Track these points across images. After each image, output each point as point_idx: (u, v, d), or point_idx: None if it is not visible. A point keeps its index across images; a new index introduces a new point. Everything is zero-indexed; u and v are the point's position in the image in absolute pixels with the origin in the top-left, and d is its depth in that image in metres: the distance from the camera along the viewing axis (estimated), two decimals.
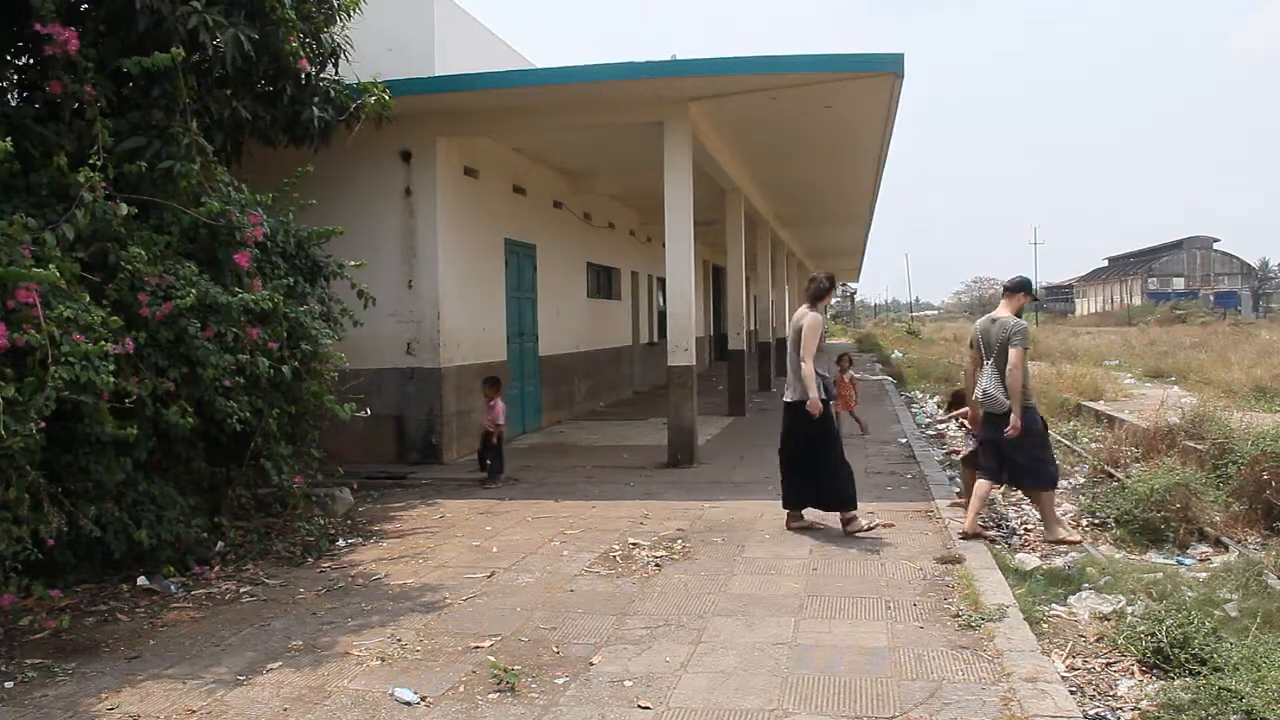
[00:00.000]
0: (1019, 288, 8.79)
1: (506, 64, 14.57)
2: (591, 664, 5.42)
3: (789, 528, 8.82)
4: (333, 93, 10.18)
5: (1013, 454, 8.50)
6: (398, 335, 12.56)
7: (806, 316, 8.55)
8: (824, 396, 8.49)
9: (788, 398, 8.77)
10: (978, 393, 8.74)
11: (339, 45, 10.32)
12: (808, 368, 8.36)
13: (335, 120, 10.16)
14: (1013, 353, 8.27)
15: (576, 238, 18.80)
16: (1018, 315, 8.67)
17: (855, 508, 8.67)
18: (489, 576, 7.27)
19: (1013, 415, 8.28)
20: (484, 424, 11.46)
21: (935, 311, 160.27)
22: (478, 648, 5.70)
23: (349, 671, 5.35)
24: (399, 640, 5.84)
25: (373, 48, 11.25)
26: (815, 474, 8.68)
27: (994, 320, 8.63)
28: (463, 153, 13.34)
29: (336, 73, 10.40)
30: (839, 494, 8.62)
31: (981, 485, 8.69)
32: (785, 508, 8.95)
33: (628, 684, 5.11)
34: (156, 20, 7.80)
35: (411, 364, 12.59)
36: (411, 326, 12.58)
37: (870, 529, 8.58)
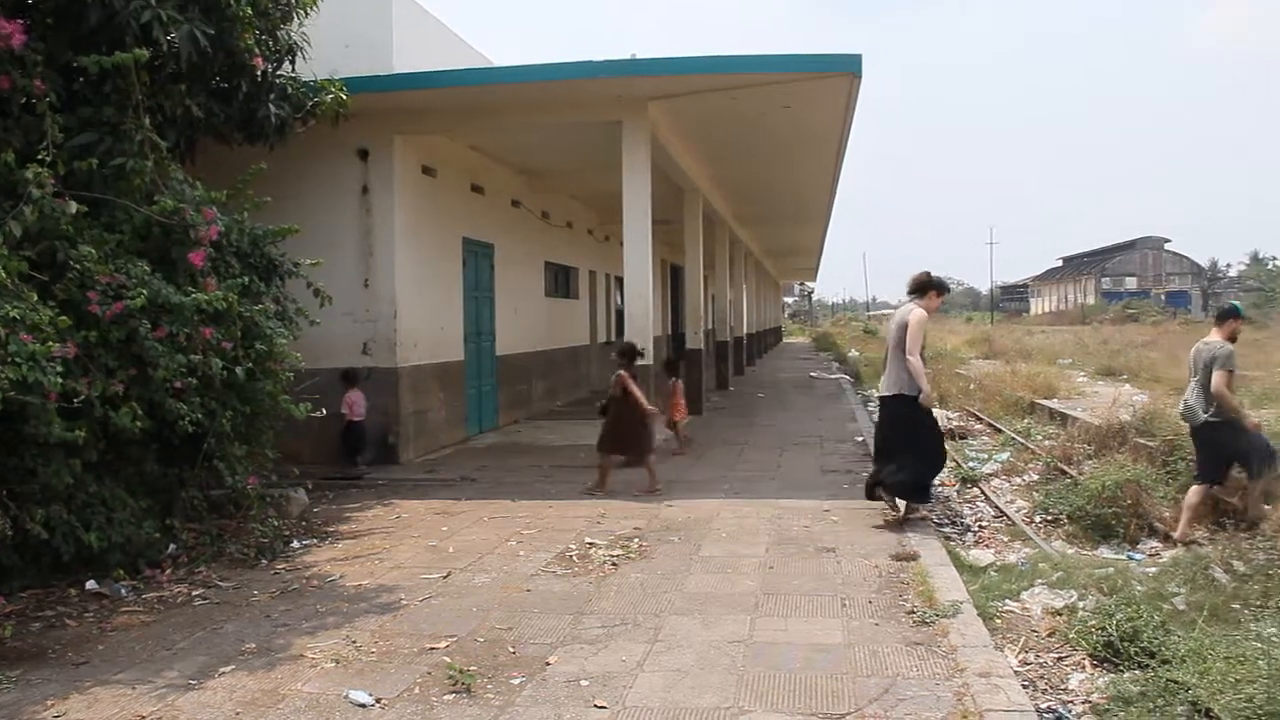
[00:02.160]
0: (1225, 315, 9.22)
1: (465, 62, 14.51)
2: (548, 664, 5.42)
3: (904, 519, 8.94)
4: (289, 90, 10.10)
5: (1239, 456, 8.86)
6: (354, 335, 12.47)
7: (914, 312, 8.70)
8: (913, 393, 8.64)
9: (884, 391, 8.97)
10: (1181, 405, 9.25)
11: (296, 42, 10.22)
12: (915, 361, 8.53)
13: (292, 118, 10.08)
14: (1216, 375, 8.68)
15: (534, 237, 18.76)
16: (1231, 340, 9.00)
17: (924, 501, 8.96)
18: (445, 577, 7.24)
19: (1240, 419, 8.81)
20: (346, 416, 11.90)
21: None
22: (434, 649, 5.68)
23: (303, 674, 5.31)
24: (354, 642, 5.81)
25: (330, 45, 11.16)
26: (893, 459, 8.83)
27: (1206, 343, 9.04)
28: (421, 151, 13.27)
29: (293, 70, 10.31)
30: (908, 483, 8.79)
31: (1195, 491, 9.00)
32: (867, 497, 9.23)
33: (584, 683, 5.11)
34: (108, 14, 7.70)
35: (368, 363, 12.50)
36: (368, 326, 12.49)
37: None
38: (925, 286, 8.92)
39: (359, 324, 12.46)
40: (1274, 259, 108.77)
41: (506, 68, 12.75)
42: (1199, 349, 9.06)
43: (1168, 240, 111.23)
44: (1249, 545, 7.70)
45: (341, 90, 10.41)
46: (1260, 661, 5.08)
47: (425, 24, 13.89)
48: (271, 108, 9.78)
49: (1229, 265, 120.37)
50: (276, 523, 8.58)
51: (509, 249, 16.99)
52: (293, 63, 10.27)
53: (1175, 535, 8.85)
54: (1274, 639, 5.64)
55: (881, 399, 9.11)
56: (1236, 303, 9.63)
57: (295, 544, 8.36)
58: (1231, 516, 8.90)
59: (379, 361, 12.48)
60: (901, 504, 9.00)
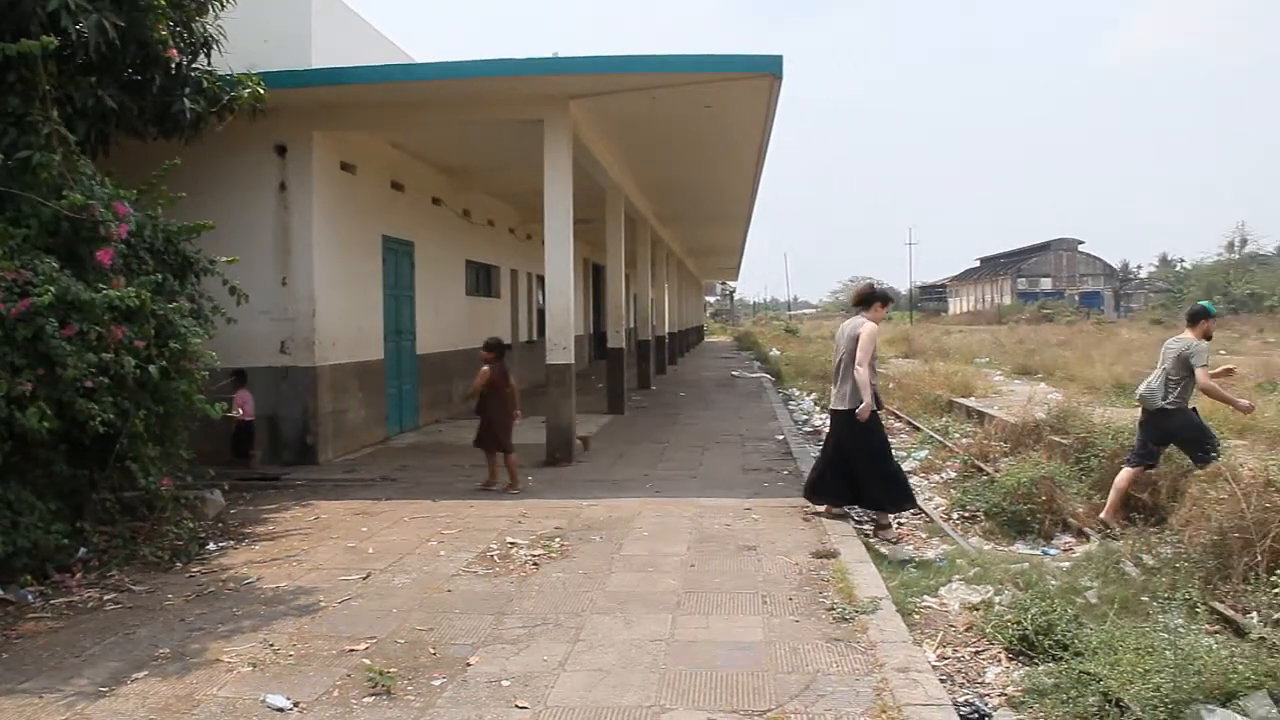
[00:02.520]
0: (1196, 316, 9.50)
1: (386, 58, 14.35)
2: (469, 665, 5.40)
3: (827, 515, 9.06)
4: (205, 84, 9.92)
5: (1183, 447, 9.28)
6: (272, 333, 12.28)
7: (865, 325, 8.73)
8: (874, 406, 8.72)
9: (834, 405, 8.98)
10: (1142, 387, 9.53)
11: (212, 35, 10.05)
12: (863, 372, 8.57)
13: (207, 112, 9.91)
14: (1199, 372, 8.98)
15: (455, 235, 18.63)
16: (1205, 338, 9.33)
17: (910, 506, 9.07)
18: (365, 578, 7.17)
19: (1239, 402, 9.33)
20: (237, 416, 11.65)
21: (813, 310, 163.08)
22: (353, 651, 5.62)
23: (219, 679, 5.22)
24: (272, 645, 5.72)
25: (248, 39, 10.97)
26: (855, 476, 8.88)
27: (1179, 340, 9.37)
28: (340, 147, 13.11)
29: (209, 63, 10.13)
30: (882, 497, 8.91)
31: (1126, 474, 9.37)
32: (807, 498, 9.33)
33: (505, 684, 5.10)
34: (11, 1, 7.49)
35: (286, 362, 12.33)
36: (286, 324, 12.31)
37: (896, 541, 8.97)
38: (870, 298, 9.01)
39: (277, 322, 12.28)
40: (1182, 261, 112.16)
41: (427, 64, 12.63)
42: (1170, 345, 9.44)
43: (1081, 242, 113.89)
44: (1158, 539, 7.92)
45: (259, 85, 10.26)
46: (1167, 652, 5.24)
47: (345, 19, 13.73)
48: (186, 102, 9.60)
49: (1140, 267, 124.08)
50: (192, 525, 8.41)
51: (430, 247, 16.86)
52: (208, 56, 10.10)
53: (1103, 515, 9.16)
54: (1181, 630, 5.82)
55: (833, 413, 9.14)
56: (1207, 303, 9.98)
57: (211, 546, 8.21)
58: (1141, 512, 9.15)
59: (297, 360, 12.31)
60: (890, 516, 9.12)
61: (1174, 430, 9.23)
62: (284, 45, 11.99)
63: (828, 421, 18.43)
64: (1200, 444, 9.02)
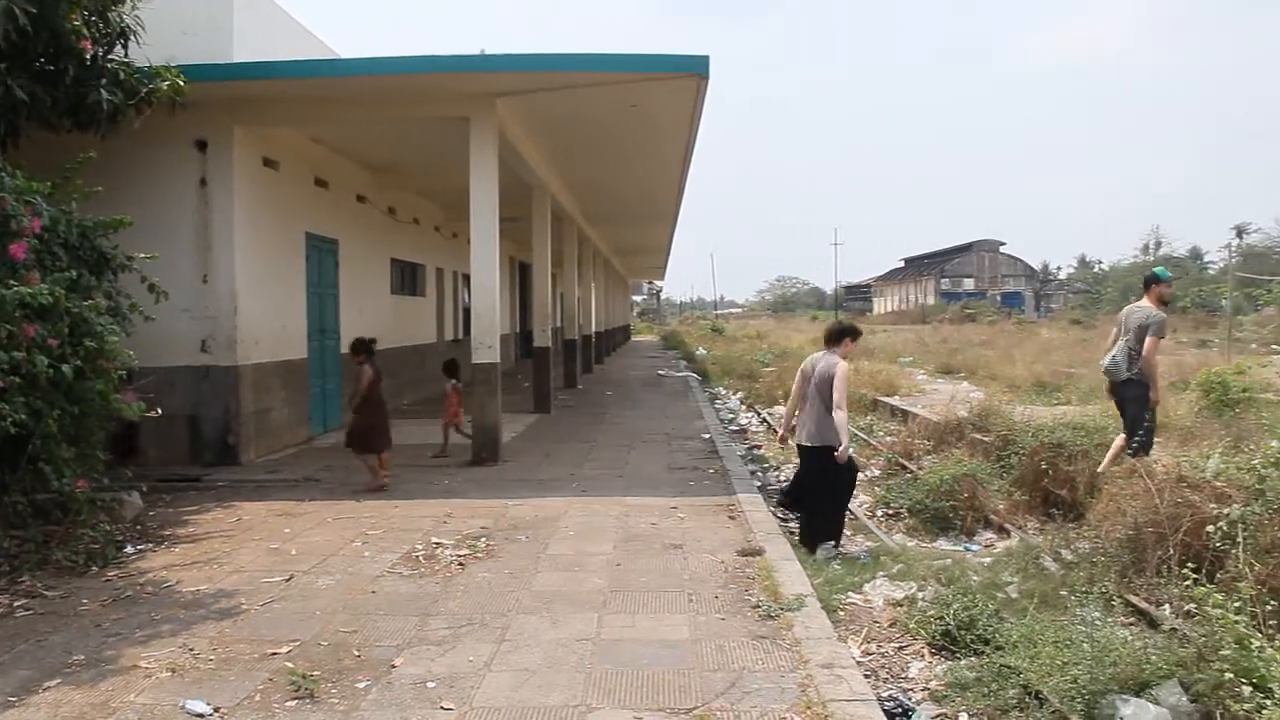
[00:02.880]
0: (1154, 280, 10.11)
1: (310, 53, 14.17)
2: (394, 666, 5.35)
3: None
4: (122, 75, 9.70)
5: (1124, 413, 9.83)
6: (192, 332, 12.06)
7: (839, 365, 8.63)
8: (836, 444, 8.64)
9: (805, 441, 8.85)
10: (1107, 360, 10.04)
11: (129, 26, 9.84)
12: (841, 416, 8.51)
13: (125, 105, 9.70)
14: (1149, 340, 9.55)
15: (380, 233, 18.46)
16: (1161, 305, 9.96)
17: (839, 540, 8.92)
18: (288, 580, 7.07)
19: (1154, 389, 9.78)
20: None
21: (740, 309, 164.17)
22: (275, 654, 5.54)
23: (136, 685, 5.11)
24: (191, 650, 5.62)
25: (166, 30, 10.76)
26: (813, 510, 8.88)
27: (1138, 308, 9.95)
28: (262, 143, 12.92)
29: (126, 55, 9.92)
30: (823, 530, 8.81)
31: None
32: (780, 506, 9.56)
33: (431, 685, 5.06)
34: None
35: (207, 361, 12.11)
36: (207, 323, 12.09)
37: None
38: (840, 334, 8.98)
39: (197, 321, 12.05)
40: (1100, 263, 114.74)
41: (351, 60, 12.49)
42: (1130, 312, 9.92)
43: (1003, 243, 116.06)
44: (1076, 535, 8.10)
45: (179, 78, 10.06)
46: (1085, 645, 5.37)
47: (268, 12, 13.51)
48: (103, 93, 9.39)
49: (1059, 268, 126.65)
50: (108, 528, 8.21)
51: (354, 245, 16.68)
52: (125, 47, 9.89)
53: (1099, 469, 9.41)
54: (1097, 623, 5.96)
55: (804, 449, 8.96)
56: (1160, 268, 10.32)
57: (129, 549, 8.03)
58: (1060, 508, 9.34)
59: (219, 359, 12.10)
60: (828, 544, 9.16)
61: (1127, 398, 9.69)
62: (204, 37, 11.77)
63: (754, 420, 18.60)
64: (1138, 420, 9.32)
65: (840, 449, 8.49)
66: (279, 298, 13.44)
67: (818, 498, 8.84)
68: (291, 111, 12.64)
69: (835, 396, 8.50)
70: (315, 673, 5.19)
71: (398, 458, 11.53)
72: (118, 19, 9.69)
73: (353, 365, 10.86)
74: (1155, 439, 9.91)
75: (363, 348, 10.81)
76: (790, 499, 9.38)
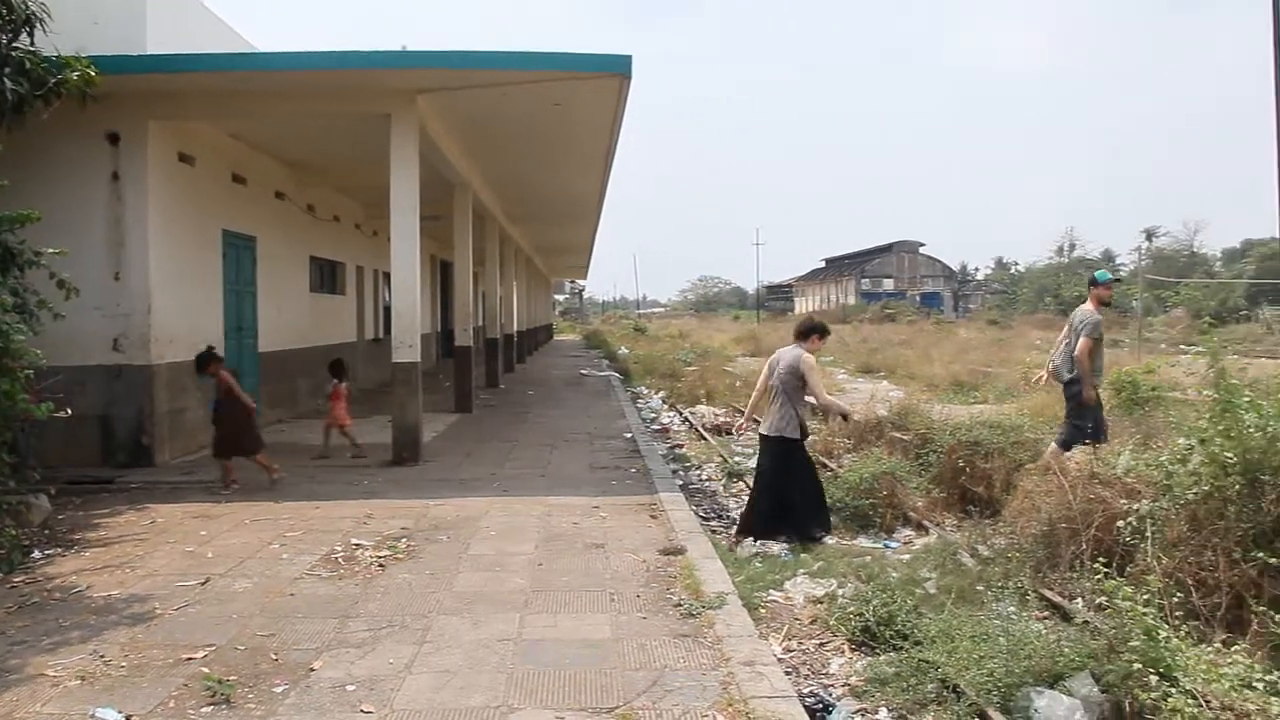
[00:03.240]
0: (1091, 283, 10.60)
1: (227, 46, 13.94)
2: (312, 670, 5.28)
3: (734, 549, 8.95)
4: (28, 65, 9.41)
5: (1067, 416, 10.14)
6: (104, 330, 11.78)
7: (804, 358, 9.00)
8: (801, 436, 9.02)
9: (766, 432, 9.12)
10: (1052, 362, 10.53)
11: (35, 13, 9.55)
12: (828, 399, 9.18)
13: (32, 95, 9.42)
14: (1081, 340, 9.90)
15: (299, 230, 18.20)
16: (1102, 306, 10.35)
17: (827, 531, 9.08)
18: (203, 583, 6.94)
19: (1084, 388, 9.98)
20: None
21: (662, 309, 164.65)
22: (190, 659, 5.44)
23: (43, 694, 4.98)
24: (102, 656, 5.49)
25: (77, 20, 10.54)
26: (791, 504, 8.96)
27: (1079, 310, 10.37)
28: (177, 137, 12.66)
29: (33, 43, 9.63)
30: (803, 524, 8.97)
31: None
32: (739, 535, 9.21)
33: (350, 688, 5.01)
34: None
35: (119, 360, 11.84)
36: (119, 321, 11.82)
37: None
38: (810, 331, 9.30)
39: (109, 319, 11.78)
40: (1016, 264, 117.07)
41: (269, 54, 12.30)
42: (1074, 314, 10.33)
43: (922, 244, 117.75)
44: (992, 531, 8.25)
45: (89, 68, 9.79)
46: (1000, 639, 5.50)
47: (183, 3, 13.26)
48: (8, 83, 9.12)
49: (977, 269, 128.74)
50: (14, 532, 7.97)
51: (272, 242, 16.43)
52: (31, 35, 9.60)
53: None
54: (1013, 617, 6.10)
55: (764, 438, 9.25)
56: (1100, 272, 10.63)
57: (36, 554, 7.82)
58: (977, 505, 9.50)
59: (132, 358, 11.84)
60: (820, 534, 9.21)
61: (1069, 397, 10.01)
62: (116, 28, 11.53)
63: (676, 420, 18.64)
64: (1072, 417, 9.57)
65: (838, 417, 9.44)
66: (194, 295, 13.19)
67: (786, 489, 9.01)
68: (208, 106, 12.41)
69: (814, 389, 8.89)
70: (232, 677, 5.10)
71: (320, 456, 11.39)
72: (23, 5, 9.40)
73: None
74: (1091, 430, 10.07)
75: (210, 359, 10.77)
76: (746, 528, 9.28)
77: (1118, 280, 11.74)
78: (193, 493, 10.39)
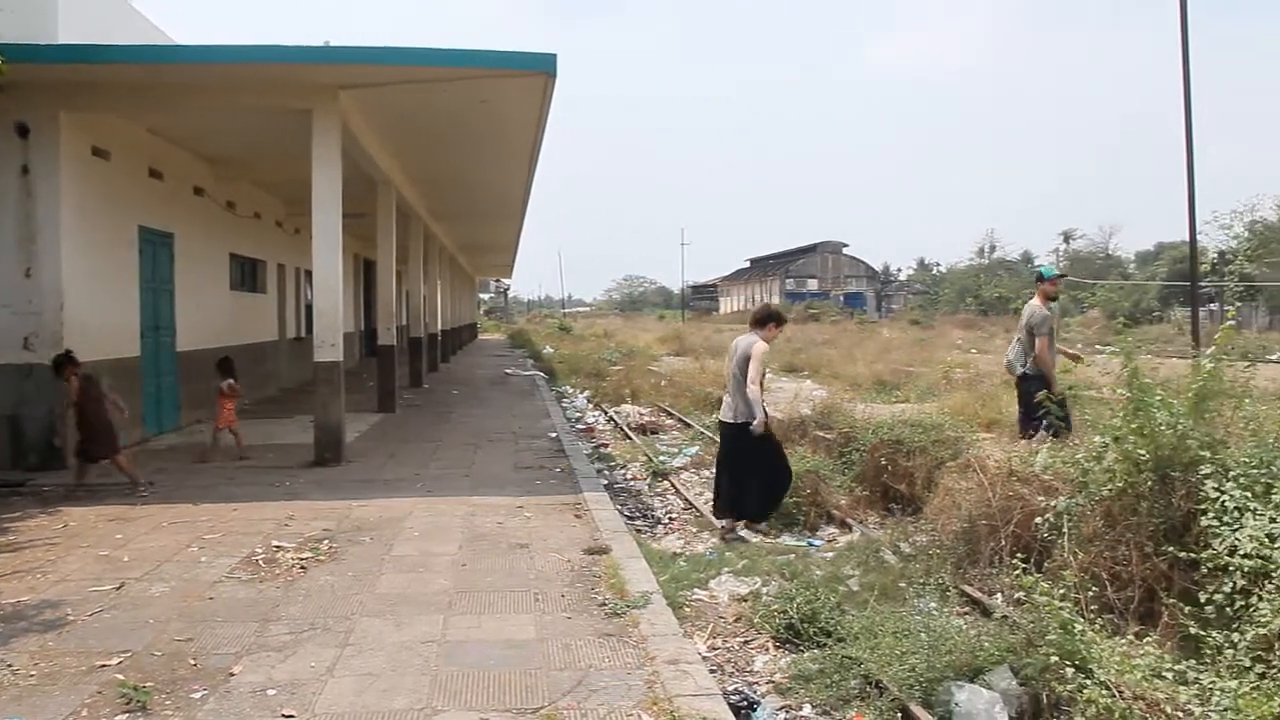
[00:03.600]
0: (1038, 279, 10.69)
1: (143, 37, 13.63)
2: (232, 674, 5.19)
3: (725, 539, 9.02)
4: None
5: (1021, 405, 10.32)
6: (13, 328, 11.47)
7: (756, 344, 9.10)
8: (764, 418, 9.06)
9: (726, 418, 9.24)
10: (1006, 357, 10.70)
11: None
12: (754, 390, 8.93)
13: None
14: (1038, 341, 10.02)
15: (219, 227, 17.89)
16: (1049, 301, 10.39)
17: (764, 519, 9.31)
18: (118, 588, 6.79)
19: (1051, 386, 9.78)
20: None
21: (588, 308, 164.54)
22: (105, 666, 5.31)
23: None
24: (10, 665, 5.33)
25: None
26: (741, 485, 9.10)
27: (1028, 306, 10.47)
28: (91, 131, 12.36)
29: None
30: (752, 505, 9.19)
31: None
32: (720, 518, 9.35)
33: (271, 693, 4.94)
34: None
35: (30, 359, 11.52)
36: (30, 319, 11.51)
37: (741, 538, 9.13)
38: (766, 319, 9.39)
39: (19, 316, 11.47)
40: (938, 265, 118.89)
41: (187, 46, 12.08)
42: (1024, 310, 10.48)
43: (846, 245, 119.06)
44: (914, 528, 8.37)
45: None
46: (922, 634, 5.59)
47: None
48: None
49: (900, 270, 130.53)
50: None
51: (191, 239, 16.13)
52: None
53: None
54: (934, 613, 6.20)
55: (722, 424, 9.43)
56: (1045, 267, 10.82)
57: None
58: (899, 503, 9.63)
59: (43, 357, 11.48)
60: (740, 524, 9.25)
61: (1025, 391, 10.11)
62: (25, 16, 11.19)
63: (601, 419, 18.64)
64: (1031, 410, 9.73)
65: (755, 423, 8.89)
66: (109, 293, 12.89)
67: (744, 473, 9.13)
68: (123, 99, 12.13)
69: (750, 373, 8.94)
70: (148, 684, 4.99)
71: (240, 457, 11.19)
72: None
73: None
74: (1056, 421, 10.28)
75: (65, 361, 10.50)
76: (723, 506, 9.43)
77: (1062, 275, 11.92)
78: (108, 495, 10.15)
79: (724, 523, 9.26)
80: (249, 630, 5.91)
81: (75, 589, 6.78)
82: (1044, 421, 9.77)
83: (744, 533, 9.20)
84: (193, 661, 5.39)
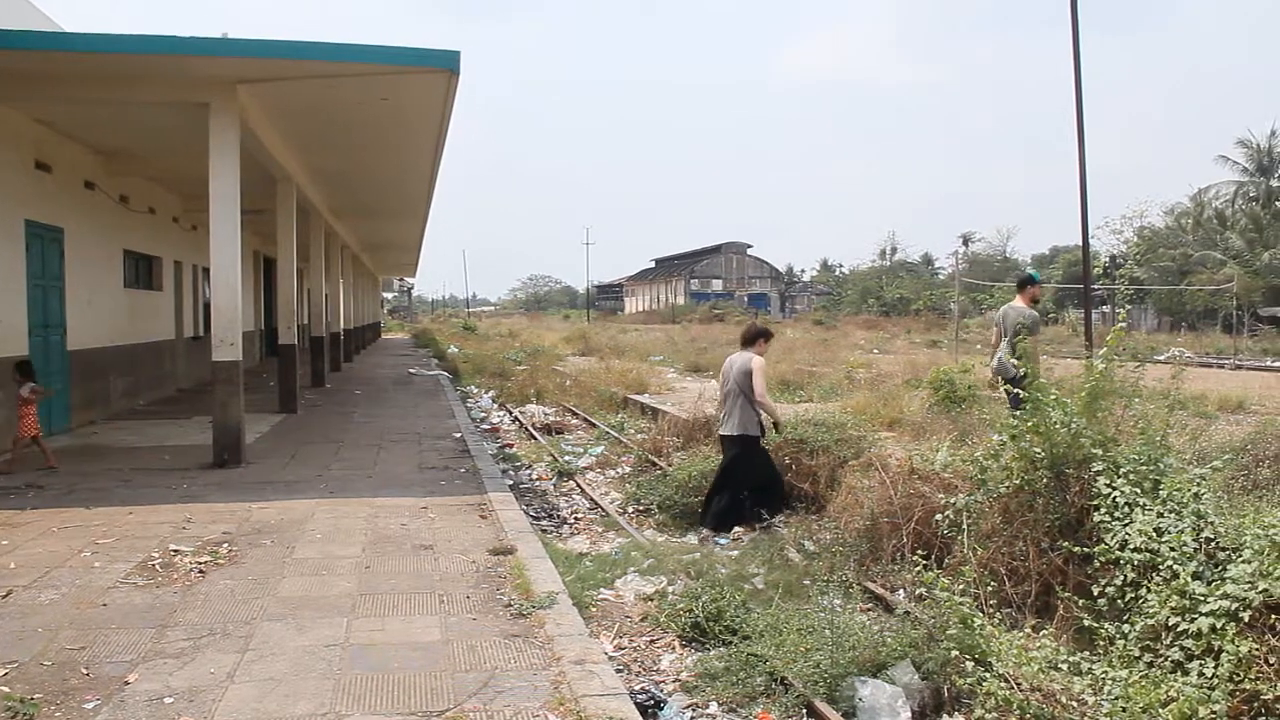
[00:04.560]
0: (1028, 282, 10.97)
1: (26, 23, 13.16)
2: (127, 683, 5.04)
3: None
4: None
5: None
6: None
7: (754, 360, 9.63)
8: (759, 433, 9.62)
9: (727, 431, 9.64)
10: (994, 362, 10.77)
11: None
12: (769, 402, 9.65)
13: None
14: (1030, 341, 10.07)
15: (112, 222, 17.36)
16: (1033, 304, 10.73)
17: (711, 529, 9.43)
18: (4, 596, 6.55)
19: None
20: None
21: (492, 307, 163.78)
22: None
23: None
24: None
25: None
26: (736, 499, 9.43)
27: (1013, 308, 10.69)
28: None
29: None
30: (725, 511, 9.47)
31: None
32: (703, 526, 9.57)
33: (168, 701, 4.81)
34: None
35: None
36: None
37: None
38: (756, 336, 10.00)
39: None
40: (841, 266, 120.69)
41: (75, 34, 11.68)
42: (1006, 312, 10.76)
43: (750, 246, 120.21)
44: (818, 526, 8.48)
45: None
46: (826, 631, 5.68)
47: None
48: None
49: (804, 270, 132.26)
50: None
51: (82, 234, 15.62)
52: None
53: None
54: (838, 610, 6.30)
55: (723, 438, 9.78)
56: (1033, 271, 11.02)
57: None
58: (803, 501, 9.75)
59: None
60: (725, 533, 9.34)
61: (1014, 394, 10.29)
62: None
63: (506, 419, 18.55)
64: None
65: (779, 424, 9.79)
66: None
67: (745, 484, 9.46)
68: (8, 88, 11.69)
69: (756, 389, 9.43)
70: (36, 695, 4.83)
71: (132, 461, 10.85)
72: None
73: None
74: None
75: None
76: (712, 519, 9.59)
77: (1043, 281, 12.31)
78: None
79: (705, 532, 9.46)
80: (145, 637, 5.75)
81: None
82: None
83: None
84: (85, 670, 5.22)
